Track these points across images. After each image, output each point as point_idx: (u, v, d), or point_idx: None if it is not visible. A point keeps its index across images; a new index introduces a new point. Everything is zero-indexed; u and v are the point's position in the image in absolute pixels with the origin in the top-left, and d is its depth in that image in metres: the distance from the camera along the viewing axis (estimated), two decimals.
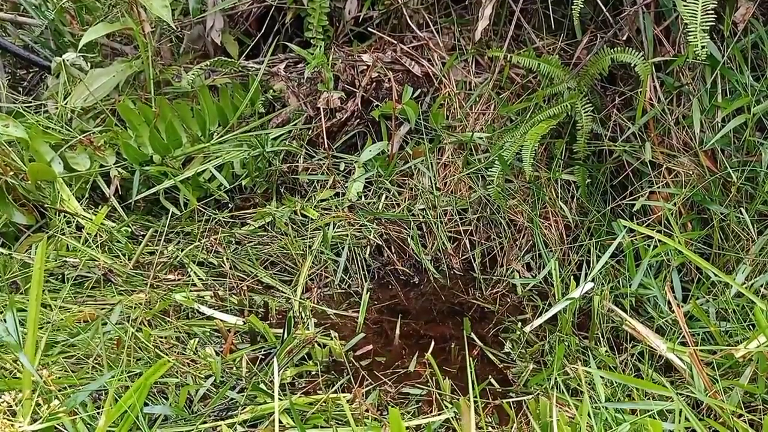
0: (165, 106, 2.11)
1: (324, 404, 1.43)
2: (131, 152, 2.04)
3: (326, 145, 2.26)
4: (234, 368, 1.59)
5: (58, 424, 1.24)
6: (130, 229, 2.01)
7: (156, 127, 2.10)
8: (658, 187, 2.03)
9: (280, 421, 1.37)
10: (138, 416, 1.22)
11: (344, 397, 1.49)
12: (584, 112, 2.09)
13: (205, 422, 1.40)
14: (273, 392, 1.41)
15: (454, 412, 1.50)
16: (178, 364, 1.55)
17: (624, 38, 2.09)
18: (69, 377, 1.43)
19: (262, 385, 1.49)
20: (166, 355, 1.60)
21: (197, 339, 1.68)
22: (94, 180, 2.06)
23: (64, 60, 2.28)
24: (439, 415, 1.51)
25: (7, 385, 1.31)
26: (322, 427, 1.41)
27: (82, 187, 2.03)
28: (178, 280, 1.88)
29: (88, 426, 1.28)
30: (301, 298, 1.89)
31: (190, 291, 1.84)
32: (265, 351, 1.68)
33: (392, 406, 1.54)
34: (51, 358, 1.49)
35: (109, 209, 1.99)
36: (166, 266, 1.91)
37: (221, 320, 1.73)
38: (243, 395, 1.47)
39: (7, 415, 1.16)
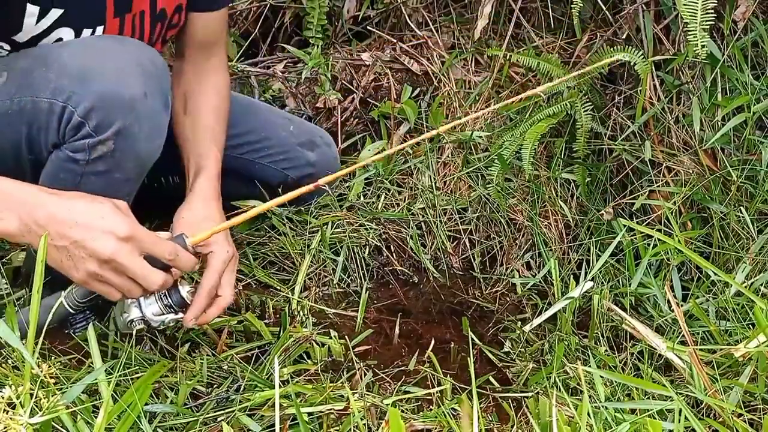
0: None
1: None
2: None
3: None
4: (227, 366, 1.58)
5: (56, 420, 1.24)
6: None
7: None
8: (658, 186, 2.03)
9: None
10: (139, 415, 1.22)
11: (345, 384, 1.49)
12: (584, 111, 2.08)
13: (205, 416, 1.40)
14: (270, 385, 1.41)
15: (454, 410, 1.50)
16: (172, 363, 1.55)
17: (624, 37, 2.09)
18: (67, 372, 1.43)
19: (258, 385, 1.49)
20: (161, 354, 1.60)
21: (188, 343, 1.67)
22: None
23: None
24: (438, 413, 1.50)
25: (9, 378, 1.31)
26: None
27: None
28: None
29: (89, 425, 1.28)
30: (299, 297, 1.88)
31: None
32: (260, 349, 1.68)
33: (392, 406, 1.54)
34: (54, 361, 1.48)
35: None
36: None
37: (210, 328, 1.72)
38: (238, 394, 1.47)
39: (7, 408, 1.16)
